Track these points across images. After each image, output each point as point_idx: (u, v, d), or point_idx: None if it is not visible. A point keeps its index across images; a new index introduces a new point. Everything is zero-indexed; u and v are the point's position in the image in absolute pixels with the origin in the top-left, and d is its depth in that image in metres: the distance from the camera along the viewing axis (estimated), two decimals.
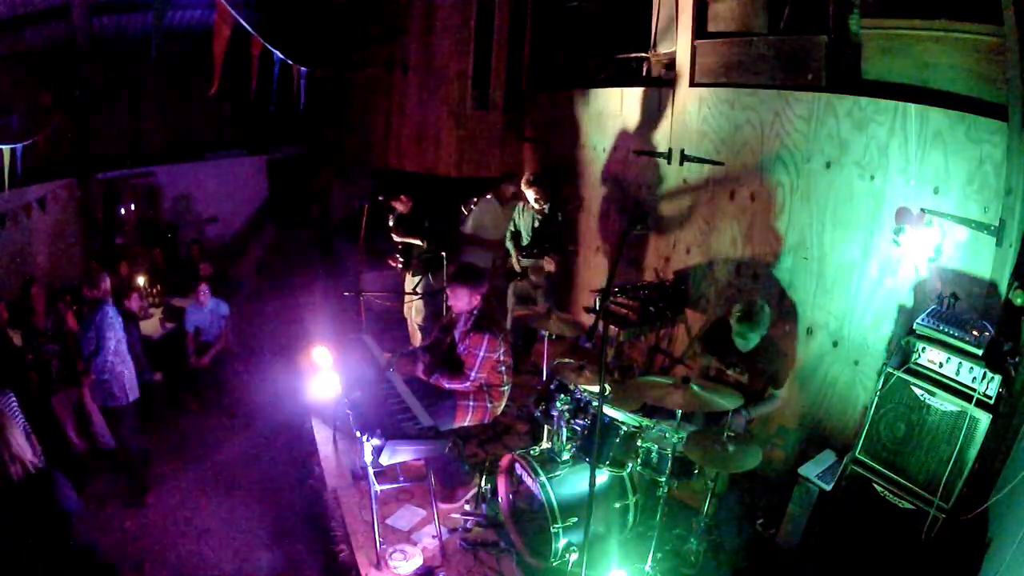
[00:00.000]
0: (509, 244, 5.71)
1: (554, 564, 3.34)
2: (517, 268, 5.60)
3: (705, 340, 4.13)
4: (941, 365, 3.06)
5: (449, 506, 3.98)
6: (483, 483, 4.01)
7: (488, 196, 5.58)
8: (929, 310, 3.23)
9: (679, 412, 3.20)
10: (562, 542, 3.29)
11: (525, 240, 5.60)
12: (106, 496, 4.58)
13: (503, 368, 4.02)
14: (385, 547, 3.59)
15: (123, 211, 8.24)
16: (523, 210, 5.59)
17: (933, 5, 3.58)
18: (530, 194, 5.38)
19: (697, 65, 4.95)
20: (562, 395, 3.53)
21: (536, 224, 5.51)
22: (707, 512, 3.53)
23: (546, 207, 5.48)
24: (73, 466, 4.66)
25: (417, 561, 3.57)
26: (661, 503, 3.32)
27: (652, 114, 5.36)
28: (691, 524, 3.58)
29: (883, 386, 3.21)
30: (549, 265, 5.43)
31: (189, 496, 4.68)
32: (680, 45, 5.03)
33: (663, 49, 5.51)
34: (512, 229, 5.67)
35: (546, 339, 4.44)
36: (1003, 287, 3.17)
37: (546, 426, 3.76)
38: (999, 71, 3.21)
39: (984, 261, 3.27)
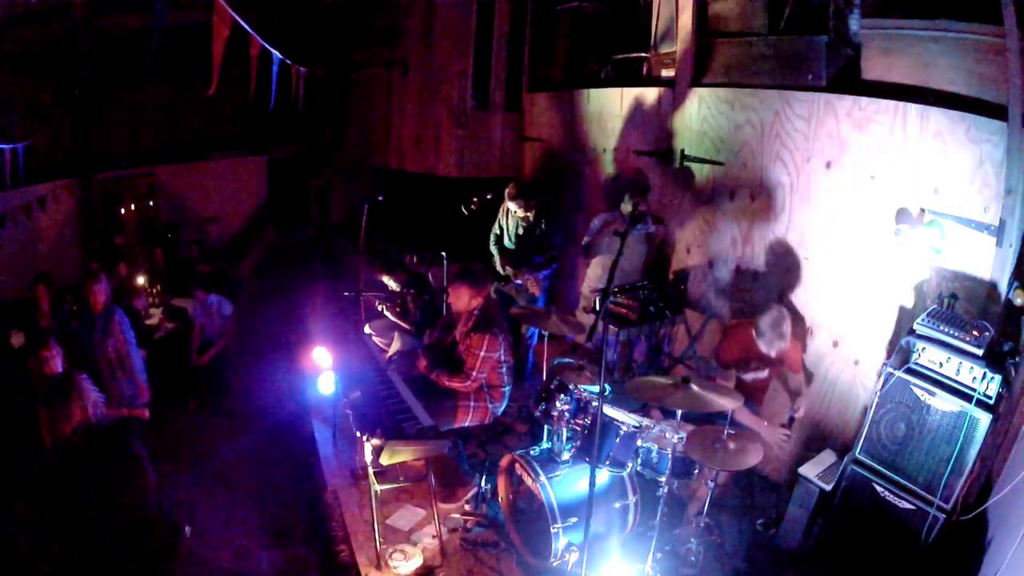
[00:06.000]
0: (494, 248, 5.62)
1: (554, 564, 3.34)
2: (502, 272, 5.52)
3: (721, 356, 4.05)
4: (941, 365, 3.06)
5: (449, 506, 3.98)
6: (483, 483, 4.01)
7: (615, 212, 5.36)
8: (929, 310, 3.23)
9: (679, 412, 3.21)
10: (562, 542, 3.29)
11: (508, 243, 5.51)
12: None
13: (504, 368, 4.02)
14: (385, 547, 3.59)
15: (123, 211, 8.23)
16: (508, 211, 5.49)
17: (933, 5, 3.58)
18: (513, 206, 5.26)
19: (697, 65, 4.95)
20: (562, 395, 3.53)
21: (520, 231, 5.41)
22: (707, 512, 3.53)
23: (531, 216, 5.37)
24: None
25: (417, 561, 3.57)
26: (661, 503, 3.33)
27: (652, 114, 5.35)
28: (691, 524, 3.58)
29: (883, 386, 3.21)
30: (534, 288, 5.32)
31: (189, 496, 4.67)
32: (680, 45, 5.04)
33: (663, 49, 5.50)
34: (496, 231, 5.57)
35: (546, 339, 4.44)
36: (1003, 287, 3.17)
37: (546, 426, 3.76)
38: (999, 71, 3.21)
39: (984, 261, 3.27)
